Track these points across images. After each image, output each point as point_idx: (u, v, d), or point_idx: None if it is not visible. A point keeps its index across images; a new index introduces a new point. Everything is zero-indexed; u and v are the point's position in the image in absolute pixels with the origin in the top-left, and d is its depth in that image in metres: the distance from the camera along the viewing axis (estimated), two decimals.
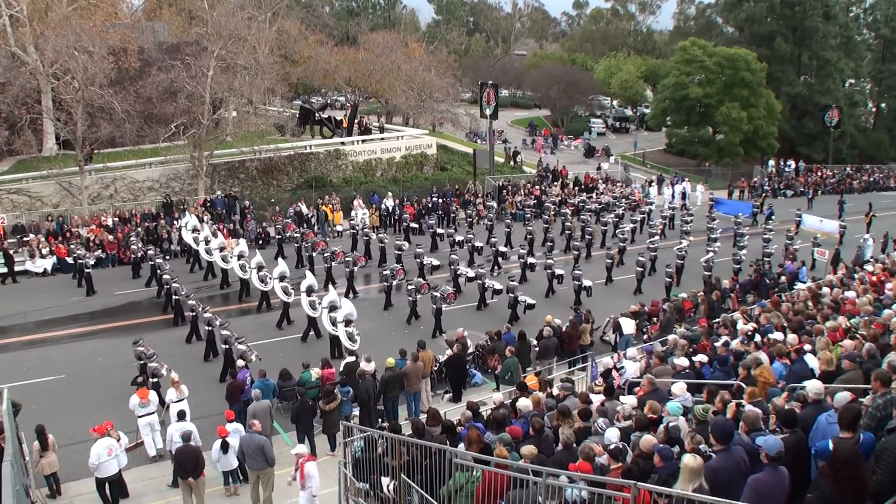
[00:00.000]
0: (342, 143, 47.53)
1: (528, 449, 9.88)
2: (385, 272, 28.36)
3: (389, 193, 42.37)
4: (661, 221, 39.99)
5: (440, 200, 42.25)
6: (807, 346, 13.98)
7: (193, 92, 37.57)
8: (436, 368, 21.02)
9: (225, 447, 14.98)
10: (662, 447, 9.14)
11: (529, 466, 9.12)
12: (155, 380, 19.21)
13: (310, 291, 24.74)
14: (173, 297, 26.28)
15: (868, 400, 9.51)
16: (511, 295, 26.66)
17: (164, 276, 27.52)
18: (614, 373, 17.11)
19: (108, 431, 14.88)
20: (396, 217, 40.30)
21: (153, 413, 17.20)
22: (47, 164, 37.38)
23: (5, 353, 23.60)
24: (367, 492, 13.03)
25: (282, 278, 26.08)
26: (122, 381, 20.24)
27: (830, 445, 7.96)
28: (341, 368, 19.22)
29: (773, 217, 40.21)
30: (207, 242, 31.08)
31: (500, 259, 32.81)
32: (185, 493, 14.46)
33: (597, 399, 13.73)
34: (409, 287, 26.81)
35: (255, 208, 38.89)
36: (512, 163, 58.40)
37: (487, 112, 50.12)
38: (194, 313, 24.31)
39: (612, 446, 9.67)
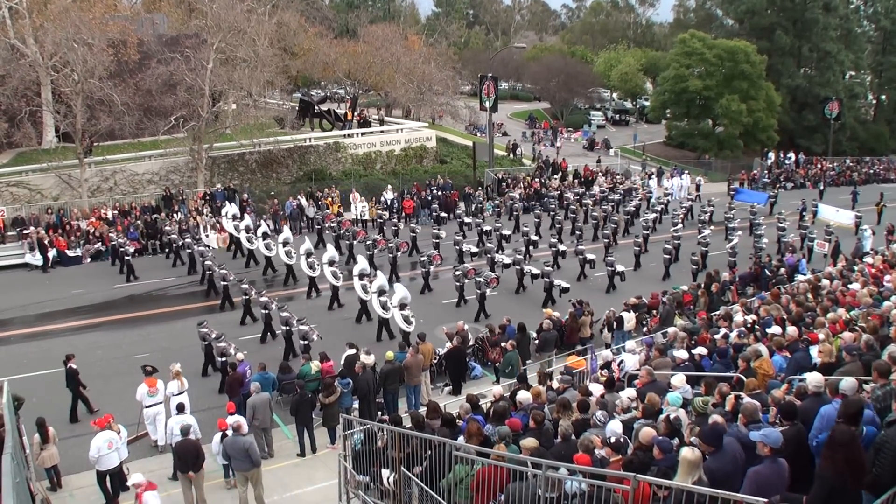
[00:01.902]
0: (344, 136, 47.49)
1: (529, 441, 9.90)
2: (423, 258, 29.21)
3: (389, 186, 42.43)
4: (682, 211, 40.68)
5: (440, 193, 42.35)
6: (821, 335, 13.97)
7: (193, 84, 37.54)
8: (436, 361, 21.05)
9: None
10: (661, 440, 9.15)
11: (529, 459, 9.13)
12: (224, 359, 19.81)
13: (362, 276, 25.51)
14: (221, 282, 26.80)
15: (867, 391, 9.53)
16: (546, 279, 27.68)
17: (207, 263, 28.23)
18: (614, 366, 17.11)
19: (109, 424, 14.88)
20: (395, 209, 40.46)
21: (160, 403, 17.26)
22: (47, 156, 37.43)
23: (6, 346, 23.63)
24: (368, 484, 13.06)
25: (331, 263, 26.97)
26: (122, 373, 20.32)
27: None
28: (342, 361, 19.25)
29: (806, 211, 40.37)
30: (249, 231, 31.67)
31: (531, 247, 33.36)
32: (185, 486, 14.48)
33: (596, 391, 13.74)
34: (457, 273, 27.73)
35: (255, 201, 38.88)
36: (511, 155, 58.37)
37: (487, 105, 50.04)
38: (247, 297, 24.88)
39: (613, 439, 9.67)
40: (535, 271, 28.95)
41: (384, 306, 23.50)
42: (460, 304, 27.41)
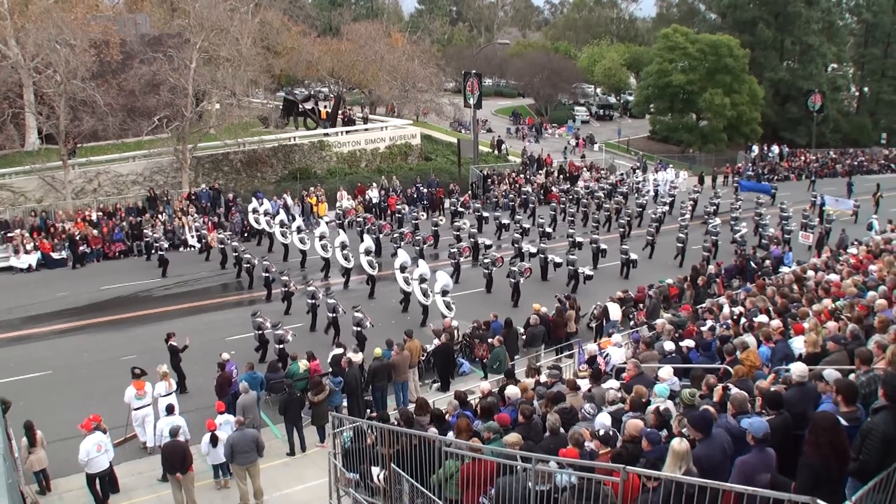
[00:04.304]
0: (325, 135, 47.47)
1: (512, 437, 9.93)
2: (453, 250, 30.36)
3: (374, 184, 42.47)
4: (690, 203, 41.55)
5: (426, 190, 42.40)
6: (806, 326, 14.05)
7: (176, 84, 37.33)
8: (423, 358, 21.09)
9: (214, 441, 14.97)
10: (650, 431, 9.19)
11: (518, 453, 9.16)
12: (281, 345, 20.68)
13: (403, 268, 26.46)
14: (264, 274, 27.61)
15: (852, 378, 9.60)
16: (571, 267, 29.24)
17: (245, 256, 29.23)
18: (600, 359, 17.14)
19: (97, 426, 14.82)
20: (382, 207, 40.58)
21: (148, 405, 17.20)
22: (30, 158, 37.18)
23: None
24: (358, 482, 13.07)
25: (367, 253, 28.29)
26: (108, 375, 20.27)
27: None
28: (329, 360, 19.27)
29: (826, 204, 40.99)
30: (283, 225, 32.78)
31: (546, 239, 34.13)
32: (175, 487, 14.45)
33: (584, 385, 13.78)
34: (486, 261, 29.34)
35: (240, 201, 38.78)
36: (496, 152, 58.38)
37: (471, 101, 50.02)
38: (287, 288, 25.87)
39: (602, 432, 9.71)
40: (558, 260, 30.45)
41: (425, 293, 24.75)
42: (490, 290, 28.70)
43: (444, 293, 24.07)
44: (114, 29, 40.28)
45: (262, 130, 45.51)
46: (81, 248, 32.66)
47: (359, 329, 21.64)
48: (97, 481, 14.65)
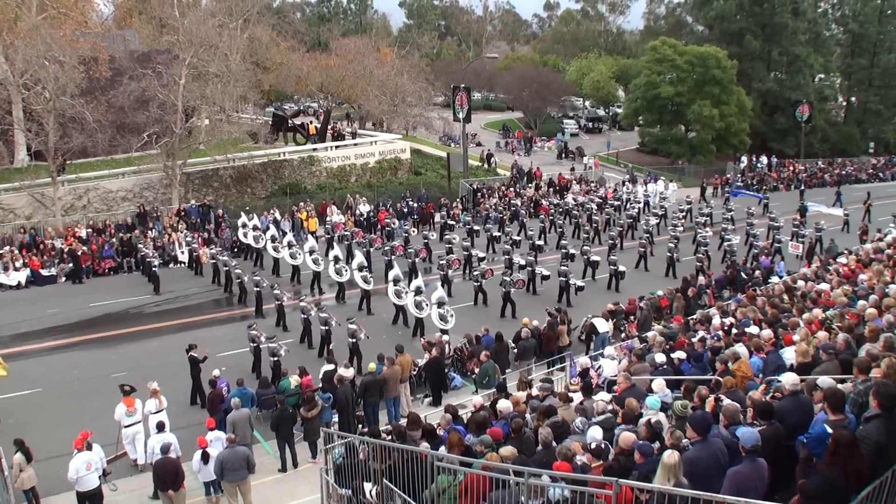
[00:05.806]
0: (313, 150, 47.49)
1: (507, 450, 9.90)
2: (442, 261, 30.27)
3: (364, 198, 42.43)
4: (681, 214, 41.73)
5: (416, 205, 42.41)
6: (796, 337, 14.07)
7: (165, 100, 37.33)
8: (415, 373, 21.04)
9: (205, 458, 14.88)
10: (642, 444, 9.19)
11: (511, 467, 9.14)
12: (275, 358, 20.58)
13: (396, 281, 26.58)
14: (255, 289, 27.62)
15: (849, 386, 9.62)
16: (563, 279, 29.08)
17: (236, 271, 29.25)
18: (592, 372, 17.14)
19: (87, 443, 14.72)
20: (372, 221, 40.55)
21: (139, 422, 17.10)
22: (19, 175, 37.09)
23: None
24: (350, 498, 13.01)
25: (360, 268, 28.20)
26: (99, 393, 20.15)
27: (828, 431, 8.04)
28: (320, 376, 19.22)
29: (808, 210, 41.36)
30: (274, 240, 32.88)
31: (537, 252, 34.39)
32: None
33: (576, 398, 13.76)
34: (475, 273, 29.58)
35: (230, 216, 38.70)
36: (486, 165, 58.45)
37: (460, 115, 50.15)
38: (280, 302, 25.90)
39: (593, 445, 9.70)
40: (546, 272, 30.46)
41: (418, 306, 24.77)
42: (478, 305, 28.96)
43: (440, 304, 24.07)
44: (103, 45, 40.35)
45: (251, 146, 45.52)
46: (71, 265, 32.55)
47: (354, 340, 21.80)
48: (87, 501, 14.55)
